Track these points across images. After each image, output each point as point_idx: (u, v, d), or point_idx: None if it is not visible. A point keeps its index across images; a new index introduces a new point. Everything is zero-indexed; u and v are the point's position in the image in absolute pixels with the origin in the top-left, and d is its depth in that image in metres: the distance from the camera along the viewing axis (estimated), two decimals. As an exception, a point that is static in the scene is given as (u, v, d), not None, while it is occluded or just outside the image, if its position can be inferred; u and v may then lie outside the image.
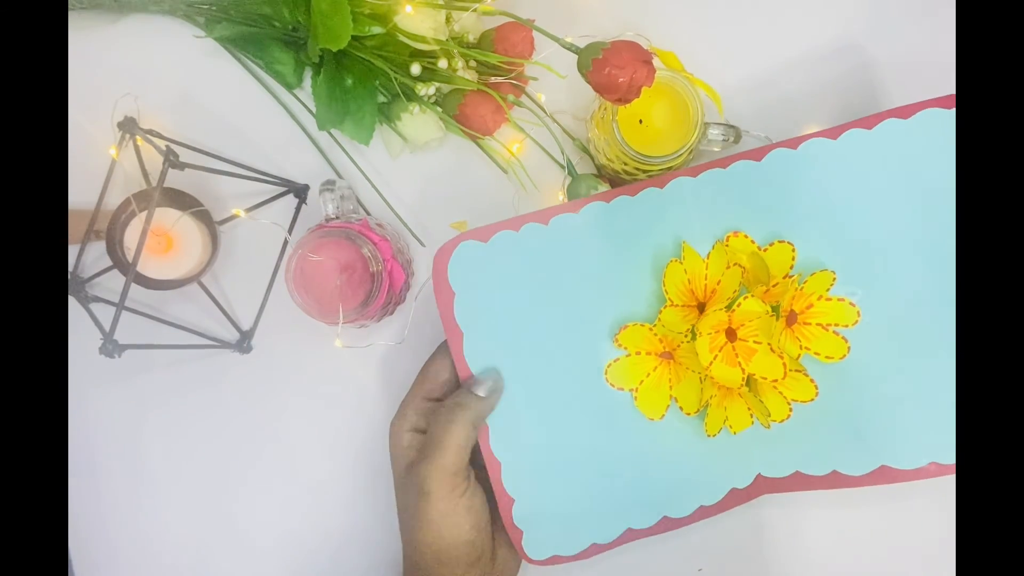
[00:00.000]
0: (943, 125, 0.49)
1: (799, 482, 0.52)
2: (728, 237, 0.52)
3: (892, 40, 0.61)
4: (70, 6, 0.59)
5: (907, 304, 0.51)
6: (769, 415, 0.52)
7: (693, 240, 0.52)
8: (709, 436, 0.52)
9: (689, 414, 0.53)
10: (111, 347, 0.51)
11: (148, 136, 0.53)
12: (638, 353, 0.52)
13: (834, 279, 0.51)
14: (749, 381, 0.52)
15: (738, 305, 0.50)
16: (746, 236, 0.52)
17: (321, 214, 0.56)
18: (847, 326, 0.51)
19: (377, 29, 0.55)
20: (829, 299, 0.51)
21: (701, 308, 0.52)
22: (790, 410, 0.52)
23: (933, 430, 0.51)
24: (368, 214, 0.61)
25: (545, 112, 0.59)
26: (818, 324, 0.51)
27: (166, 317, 0.57)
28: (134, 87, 0.58)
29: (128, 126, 0.54)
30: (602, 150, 0.57)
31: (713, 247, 0.52)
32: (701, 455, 0.53)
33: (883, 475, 0.51)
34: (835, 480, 0.51)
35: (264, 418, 0.60)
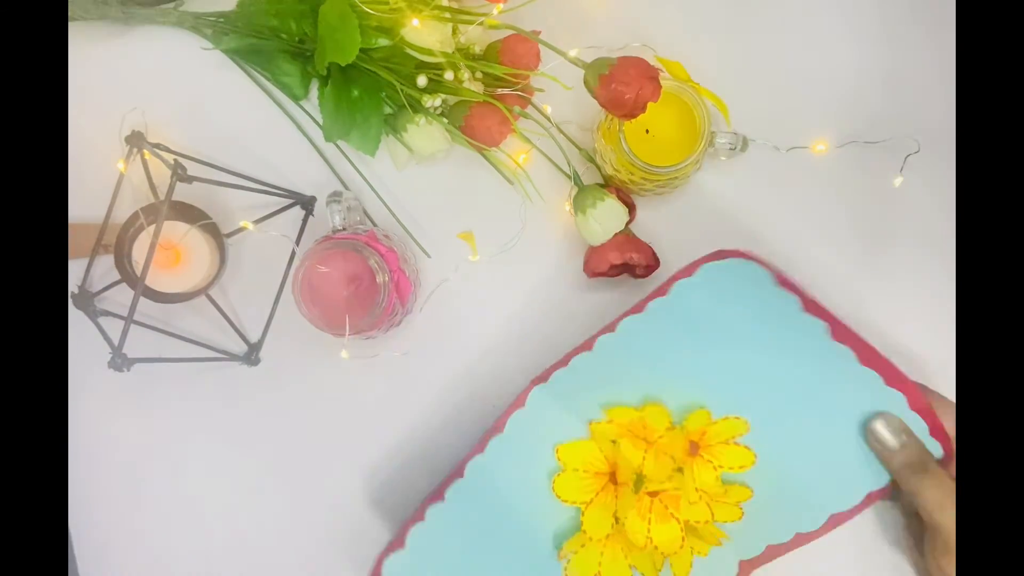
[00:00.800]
0: (722, 274, 0.53)
1: (772, 553, 0.54)
2: (606, 412, 0.53)
3: (895, 48, 0.61)
4: (78, 17, 0.59)
5: (782, 402, 0.53)
6: (723, 521, 0.53)
7: (570, 433, 0.53)
8: None
9: None
10: (120, 361, 0.52)
11: (156, 150, 0.53)
12: (583, 546, 0.53)
13: (710, 415, 0.53)
14: (688, 529, 0.53)
15: (645, 488, 0.52)
16: (621, 405, 0.53)
17: (328, 226, 0.56)
18: (742, 435, 0.53)
19: (384, 41, 0.56)
20: (715, 423, 0.53)
21: (614, 478, 0.53)
22: (741, 512, 0.53)
23: (859, 469, 0.52)
24: (375, 225, 0.61)
25: (551, 123, 0.59)
26: (719, 443, 0.53)
27: (174, 330, 0.58)
28: (141, 99, 0.59)
29: (136, 140, 0.54)
30: (609, 160, 0.57)
31: (590, 428, 0.53)
32: None
33: (835, 521, 0.53)
34: (799, 540, 0.53)
35: (272, 430, 0.60)
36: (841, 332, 0.52)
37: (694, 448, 0.53)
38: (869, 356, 0.52)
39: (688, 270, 0.53)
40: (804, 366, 0.52)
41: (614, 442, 0.53)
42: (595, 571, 0.53)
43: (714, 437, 0.53)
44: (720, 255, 0.53)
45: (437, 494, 0.53)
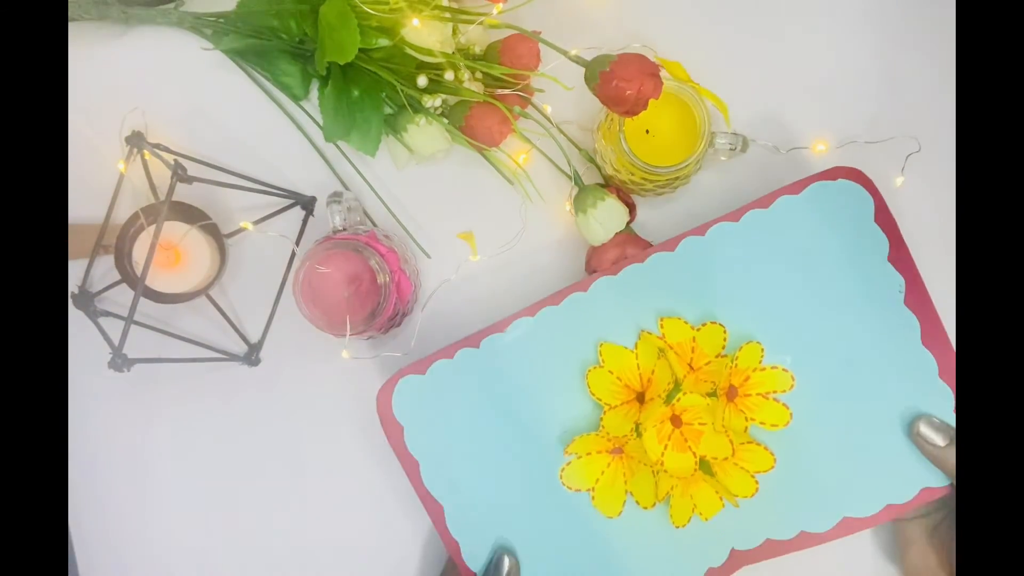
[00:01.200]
0: (829, 196, 0.53)
1: (771, 549, 0.54)
2: (662, 321, 0.54)
3: (895, 48, 0.61)
4: (77, 17, 0.59)
5: (835, 362, 0.53)
6: (735, 495, 0.53)
7: (618, 335, 0.54)
8: (677, 527, 0.54)
9: (646, 508, 0.54)
10: (120, 361, 0.52)
11: (156, 151, 0.53)
12: (589, 454, 0.54)
13: (763, 350, 0.53)
14: (702, 464, 0.53)
15: (677, 400, 0.52)
16: (680, 318, 0.54)
17: (328, 226, 0.56)
18: (784, 391, 0.53)
19: (384, 41, 0.55)
20: (763, 369, 0.53)
21: (641, 398, 0.54)
22: (756, 484, 0.53)
23: (884, 475, 0.53)
24: (375, 226, 0.61)
25: (551, 123, 0.59)
26: (758, 394, 0.53)
27: (175, 330, 0.58)
28: (142, 99, 0.59)
29: (136, 140, 0.54)
30: (609, 160, 0.57)
31: (640, 337, 0.54)
32: (672, 542, 0.54)
33: (846, 526, 0.53)
34: (804, 540, 0.53)
35: (272, 430, 0.60)
36: (914, 296, 0.52)
37: (732, 393, 0.53)
38: (932, 334, 0.52)
39: (796, 187, 0.53)
40: (869, 330, 0.53)
41: (661, 351, 0.53)
42: (590, 485, 0.54)
43: (755, 387, 0.53)
44: (832, 174, 0.53)
45: (472, 340, 0.54)
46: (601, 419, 0.53)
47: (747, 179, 0.60)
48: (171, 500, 0.60)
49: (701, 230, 0.54)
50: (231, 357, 0.59)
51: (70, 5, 0.58)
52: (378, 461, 0.59)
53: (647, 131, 0.56)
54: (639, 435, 0.53)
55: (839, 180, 0.52)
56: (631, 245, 0.56)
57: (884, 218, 0.53)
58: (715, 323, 0.53)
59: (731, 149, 0.57)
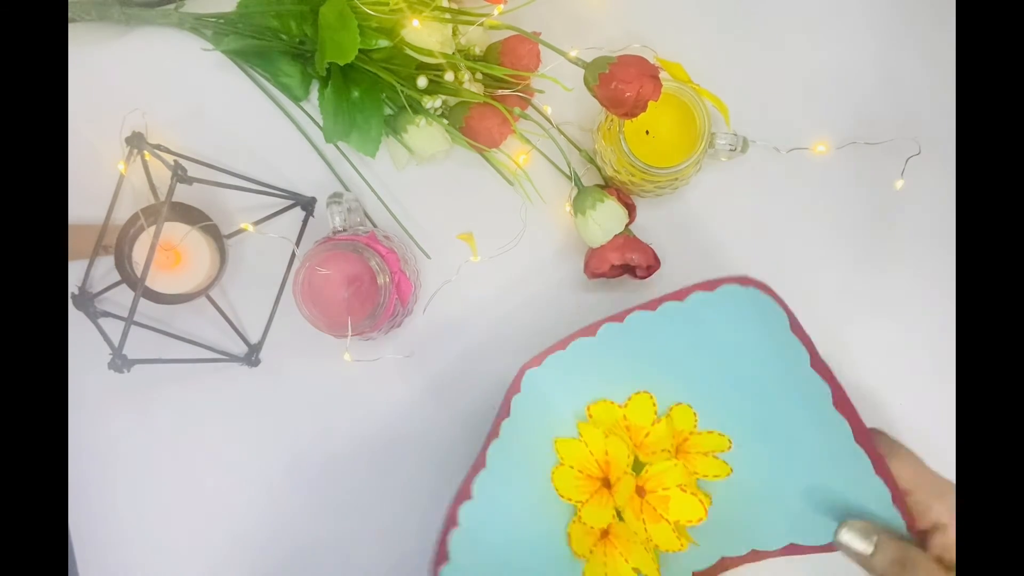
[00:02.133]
0: (743, 300, 0.51)
1: (723, 565, 0.54)
2: (589, 411, 0.54)
3: (896, 49, 0.61)
4: (78, 19, 0.59)
5: (767, 450, 0.53)
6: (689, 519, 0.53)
7: (564, 427, 0.54)
8: None
9: None
10: (120, 362, 0.52)
11: (156, 151, 0.53)
12: (592, 552, 0.53)
13: (695, 414, 0.53)
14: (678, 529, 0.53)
15: (645, 471, 0.53)
16: (606, 400, 0.54)
17: (328, 227, 0.56)
18: (723, 451, 0.53)
19: (384, 42, 0.56)
20: (699, 433, 0.53)
21: (606, 482, 0.54)
22: (705, 512, 0.53)
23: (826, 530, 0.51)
24: (375, 226, 0.61)
25: (551, 124, 0.59)
26: (698, 453, 0.53)
27: (175, 331, 0.58)
28: (142, 100, 0.59)
29: (136, 141, 0.54)
30: (609, 161, 0.57)
31: (577, 426, 0.54)
32: None
33: (794, 550, 0.52)
34: (756, 556, 0.53)
35: (272, 431, 0.60)
36: (842, 400, 0.50)
37: (677, 450, 0.53)
38: (863, 434, 0.50)
39: (710, 284, 0.52)
40: (802, 428, 0.51)
41: (606, 436, 0.53)
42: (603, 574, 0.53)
43: (697, 446, 0.53)
44: (743, 280, 0.51)
45: (464, 493, 0.51)
46: (580, 516, 0.53)
47: (747, 180, 0.60)
48: (171, 500, 0.60)
49: (619, 317, 0.53)
50: (231, 358, 0.59)
51: (70, 6, 0.58)
52: (377, 461, 0.59)
53: (647, 132, 0.56)
54: (622, 519, 0.53)
55: (749, 287, 0.51)
56: (630, 247, 0.56)
57: (799, 330, 0.51)
58: (640, 392, 0.53)
59: (731, 150, 0.57)
